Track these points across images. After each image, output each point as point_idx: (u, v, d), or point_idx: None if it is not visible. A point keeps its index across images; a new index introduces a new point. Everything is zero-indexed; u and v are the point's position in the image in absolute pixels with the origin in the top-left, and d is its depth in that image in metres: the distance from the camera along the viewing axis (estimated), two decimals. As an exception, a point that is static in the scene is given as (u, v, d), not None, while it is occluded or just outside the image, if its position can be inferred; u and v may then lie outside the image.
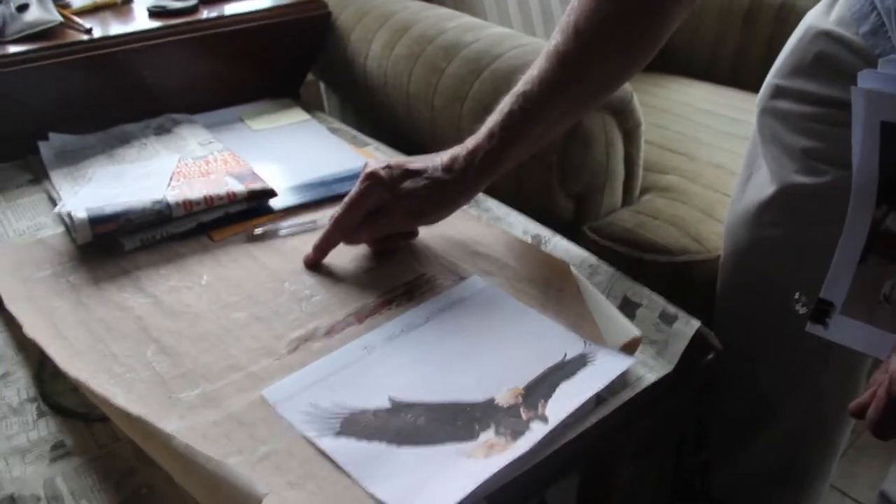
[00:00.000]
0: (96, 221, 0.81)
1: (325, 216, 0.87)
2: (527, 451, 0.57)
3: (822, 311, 0.65)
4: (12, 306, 0.73)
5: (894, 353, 0.57)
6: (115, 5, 1.21)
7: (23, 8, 1.08)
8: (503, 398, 0.63)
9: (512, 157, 0.77)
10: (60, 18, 1.09)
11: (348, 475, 0.56)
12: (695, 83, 1.57)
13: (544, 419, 0.60)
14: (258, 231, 0.85)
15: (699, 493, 1.09)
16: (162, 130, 1.08)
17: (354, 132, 1.15)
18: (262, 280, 0.78)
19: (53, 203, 0.93)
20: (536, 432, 0.59)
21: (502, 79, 1.02)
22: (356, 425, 0.60)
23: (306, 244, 0.82)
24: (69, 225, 0.84)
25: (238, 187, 0.88)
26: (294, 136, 1.12)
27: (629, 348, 0.69)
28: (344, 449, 0.58)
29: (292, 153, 1.06)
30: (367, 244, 0.81)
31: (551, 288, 0.76)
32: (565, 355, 0.67)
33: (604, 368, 0.65)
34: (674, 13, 0.74)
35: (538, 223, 0.89)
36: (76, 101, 1.09)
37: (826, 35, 0.78)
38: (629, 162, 1.07)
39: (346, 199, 0.79)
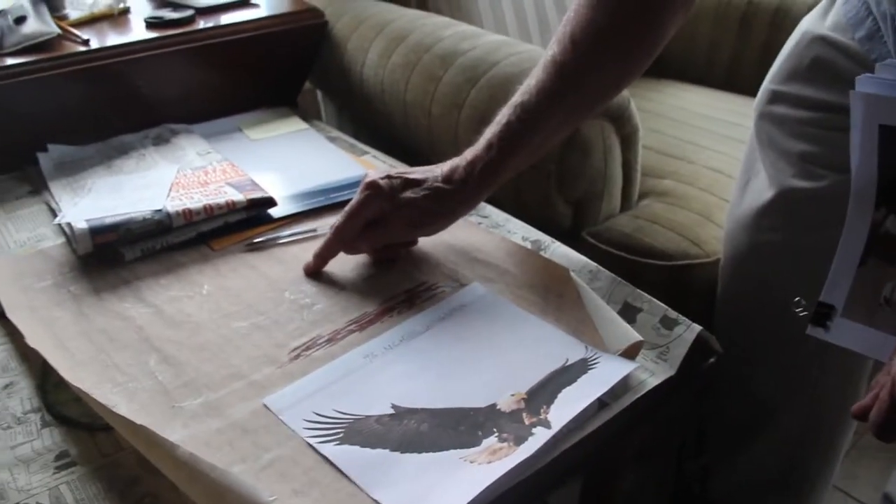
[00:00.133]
0: (97, 232, 0.81)
1: (325, 224, 0.87)
2: (530, 456, 0.57)
3: (822, 315, 0.65)
4: (14, 316, 0.74)
5: None
6: (111, 16, 1.21)
7: (20, 20, 1.09)
8: (505, 404, 0.63)
9: (511, 168, 0.77)
10: (58, 30, 1.09)
11: (352, 482, 0.56)
12: (691, 88, 1.57)
13: (547, 424, 0.60)
14: (258, 240, 0.86)
15: (698, 497, 1.09)
16: (160, 141, 1.09)
17: (352, 141, 1.15)
18: (262, 289, 0.78)
19: (53, 214, 0.93)
20: (539, 437, 0.59)
21: (499, 86, 1.02)
22: (359, 432, 0.60)
23: (306, 252, 0.82)
24: (70, 235, 0.84)
25: (237, 196, 0.89)
26: (292, 145, 1.12)
27: (630, 353, 0.69)
28: (347, 456, 0.58)
29: (291, 162, 1.06)
30: (367, 253, 0.82)
31: (551, 294, 0.76)
32: (567, 361, 0.67)
33: (605, 373, 0.65)
34: (669, 22, 0.75)
35: (537, 230, 0.90)
36: (74, 112, 1.09)
37: (822, 40, 0.78)
38: (627, 167, 1.07)
39: (347, 208, 0.79)
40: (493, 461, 0.57)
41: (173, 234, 0.85)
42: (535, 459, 0.58)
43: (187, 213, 0.85)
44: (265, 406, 0.63)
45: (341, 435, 0.60)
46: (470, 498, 0.53)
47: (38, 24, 1.09)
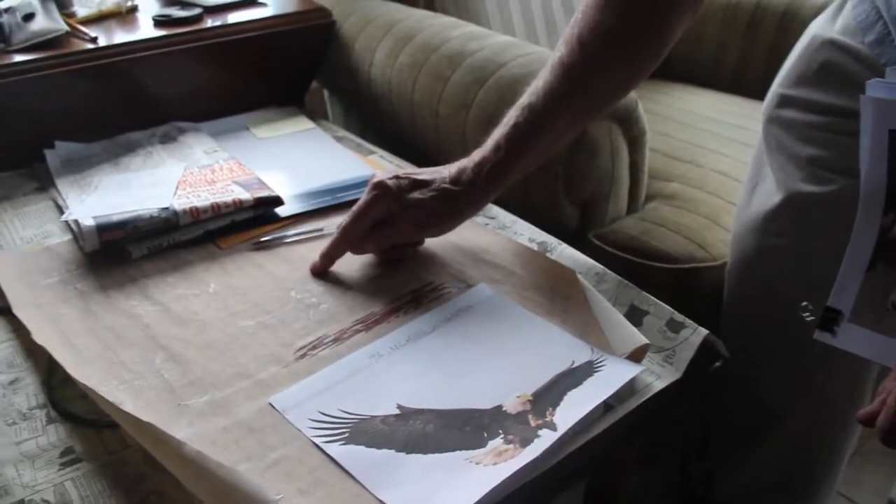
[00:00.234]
0: (104, 229, 0.81)
1: (331, 224, 0.87)
2: (535, 458, 0.57)
3: (829, 319, 0.65)
4: (20, 312, 0.74)
5: (903, 360, 0.57)
6: (119, 14, 1.21)
7: (29, 17, 1.09)
8: (511, 405, 0.63)
9: (518, 169, 0.77)
10: (66, 28, 1.10)
11: (358, 482, 0.56)
12: (698, 91, 1.57)
13: (553, 426, 0.60)
14: (265, 239, 0.86)
15: (703, 500, 1.09)
16: (167, 139, 1.09)
17: (359, 140, 1.15)
18: (268, 288, 0.78)
19: (60, 211, 0.93)
20: (545, 439, 0.59)
21: (507, 87, 1.02)
22: (365, 433, 0.60)
23: (312, 252, 0.82)
24: (77, 233, 0.84)
25: (244, 195, 0.89)
26: (299, 145, 1.12)
27: (636, 356, 0.69)
28: (353, 456, 0.58)
29: (298, 161, 1.06)
30: (374, 254, 0.81)
31: (558, 296, 0.76)
32: (573, 363, 0.67)
33: (611, 376, 0.65)
34: (677, 24, 0.75)
35: (544, 231, 0.90)
36: (82, 110, 1.09)
37: (831, 44, 0.78)
38: (634, 170, 1.07)
39: (354, 208, 0.79)
40: (499, 463, 0.57)
41: (180, 231, 0.85)
42: (540, 461, 0.58)
43: (194, 211, 0.85)
44: (271, 405, 0.63)
45: (347, 435, 0.60)
46: (475, 499, 0.53)
47: (47, 22, 1.09)
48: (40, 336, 0.69)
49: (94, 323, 0.73)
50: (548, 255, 0.85)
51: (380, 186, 0.78)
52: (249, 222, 0.89)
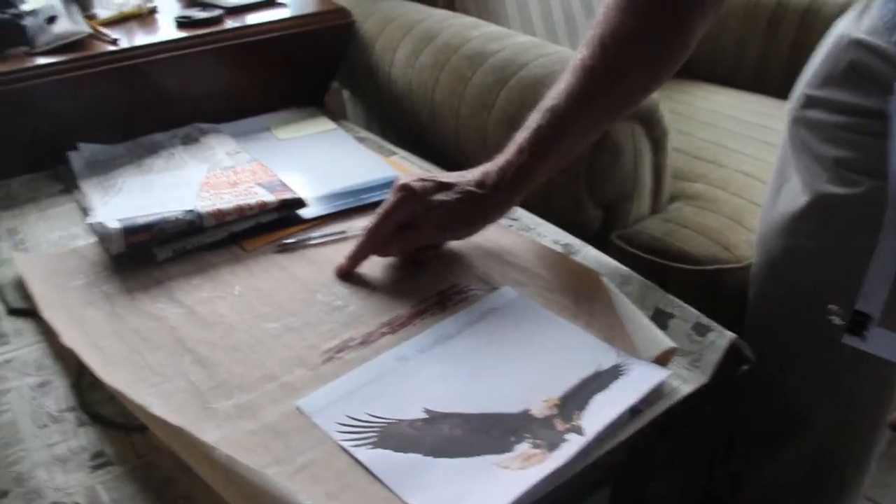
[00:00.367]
0: (130, 231, 0.81)
1: (355, 226, 0.87)
2: (563, 463, 0.57)
3: (859, 323, 0.64)
4: (48, 315, 0.74)
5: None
6: (140, 16, 1.22)
7: (52, 20, 1.10)
8: (538, 409, 0.63)
9: (542, 172, 0.77)
10: (89, 30, 1.10)
11: (386, 486, 0.56)
12: (719, 89, 1.56)
13: (580, 431, 0.60)
14: (289, 241, 0.86)
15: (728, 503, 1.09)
16: (189, 140, 1.09)
17: (380, 141, 1.15)
18: (293, 290, 0.79)
19: (84, 213, 0.93)
20: (573, 444, 0.59)
21: (528, 88, 1.02)
22: (393, 436, 0.60)
23: (336, 254, 0.82)
24: (102, 235, 0.84)
25: (268, 197, 0.89)
26: (321, 146, 1.12)
27: (663, 360, 0.68)
28: (381, 460, 0.58)
29: (320, 162, 1.07)
30: (399, 256, 0.82)
31: (583, 298, 0.76)
32: (599, 366, 0.67)
33: (638, 380, 0.65)
34: (698, 25, 0.75)
35: (568, 233, 0.89)
36: (104, 111, 1.09)
37: (858, 44, 0.77)
38: (657, 170, 1.07)
39: (379, 210, 0.79)
40: (527, 468, 0.57)
41: (205, 234, 0.85)
42: (567, 467, 0.58)
43: (219, 214, 0.85)
44: (298, 408, 0.63)
45: (375, 439, 0.60)
46: (503, 504, 0.53)
47: (69, 24, 1.10)
48: (68, 338, 0.70)
49: (121, 325, 0.74)
50: (572, 257, 0.84)
51: (405, 189, 0.78)
52: (273, 224, 0.89)
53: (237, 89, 1.22)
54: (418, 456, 0.58)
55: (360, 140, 1.13)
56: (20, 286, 0.80)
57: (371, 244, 0.79)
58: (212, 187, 0.92)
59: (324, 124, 1.19)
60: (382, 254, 0.81)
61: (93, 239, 0.88)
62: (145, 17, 1.22)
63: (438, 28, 1.21)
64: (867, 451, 0.96)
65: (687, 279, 1.01)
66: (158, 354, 0.70)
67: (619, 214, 1.07)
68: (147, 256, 0.83)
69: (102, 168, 1.02)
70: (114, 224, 0.82)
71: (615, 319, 0.73)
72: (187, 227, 0.84)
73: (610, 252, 0.88)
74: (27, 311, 0.77)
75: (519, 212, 0.93)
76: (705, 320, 0.73)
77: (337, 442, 0.60)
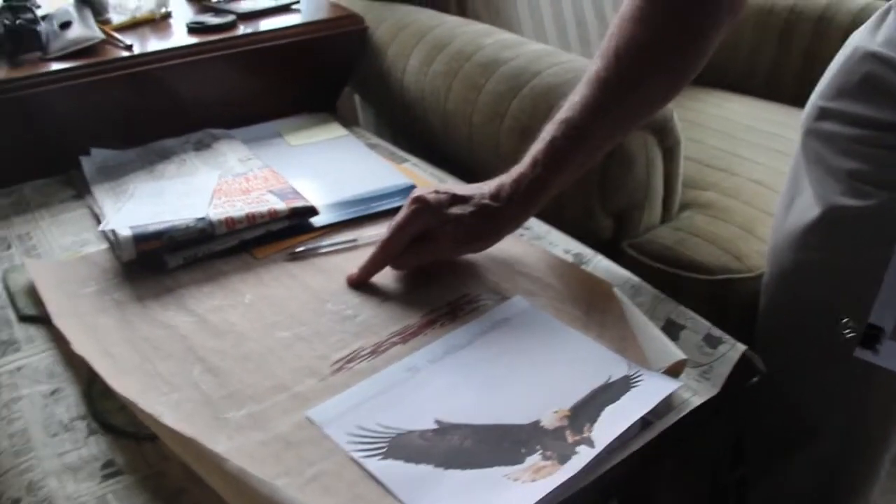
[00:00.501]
0: (141, 239, 0.82)
1: (366, 234, 0.87)
2: (573, 475, 0.57)
3: (871, 337, 0.64)
4: (60, 322, 0.74)
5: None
6: (153, 21, 1.22)
7: (66, 25, 1.10)
8: (548, 421, 0.62)
9: (557, 184, 0.77)
10: (102, 35, 1.11)
11: (397, 499, 0.56)
12: (732, 97, 1.56)
13: (590, 443, 0.60)
14: (300, 249, 0.86)
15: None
16: (201, 146, 1.09)
17: (392, 148, 1.15)
18: (304, 299, 0.79)
19: (96, 218, 0.94)
20: (583, 456, 0.59)
21: (541, 96, 1.02)
22: (403, 448, 0.60)
23: (347, 262, 0.82)
24: (113, 242, 0.84)
25: (280, 205, 0.89)
26: (332, 152, 1.12)
27: (674, 371, 0.68)
28: (391, 471, 0.58)
29: (331, 169, 1.07)
30: (413, 269, 0.82)
31: (594, 309, 0.76)
32: (609, 378, 0.67)
33: (649, 392, 0.65)
34: (713, 37, 0.74)
35: (579, 242, 0.89)
36: (117, 117, 1.10)
37: (873, 56, 0.77)
38: (668, 179, 1.06)
39: (393, 223, 0.79)
40: (537, 480, 0.57)
41: (216, 241, 0.85)
42: (577, 478, 0.57)
43: (230, 222, 0.86)
44: (308, 419, 0.63)
45: (385, 449, 0.60)
46: (514, 517, 0.53)
47: (83, 29, 1.10)
48: (80, 347, 0.70)
49: (132, 333, 0.74)
50: (583, 266, 0.84)
51: (419, 201, 0.78)
52: (284, 232, 0.89)
53: (249, 95, 1.22)
54: (429, 467, 0.58)
55: (372, 147, 1.14)
56: (32, 292, 0.80)
57: (384, 257, 0.79)
58: (224, 194, 0.92)
59: (336, 130, 1.19)
60: (396, 266, 0.81)
61: (104, 245, 0.88)
62: (158, 22, 1.23)
63: (451, 35, 1.21)
64: (877, 461, 0.96)
65: (697, 288, 1.01)
66: (169, 363, 0.70)
67: (630, 223, 1.07)
68: (158, 264, 0.83)
69: (114, 173, 1.02)
70: (125, 232, 0.82)
71: (627, 330, 0.73)
72: (198, 235, 0.84)
73: (620, 260, 0.88)
74: (39, 317, 0.77)
75: (530, 220, 0.93)
76: (717, 332, 0.73)
77: (347, 453, 0.60)
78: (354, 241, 0.88)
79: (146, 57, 1.10)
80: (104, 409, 0.66)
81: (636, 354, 0.70)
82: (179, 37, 1.17)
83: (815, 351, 0.87)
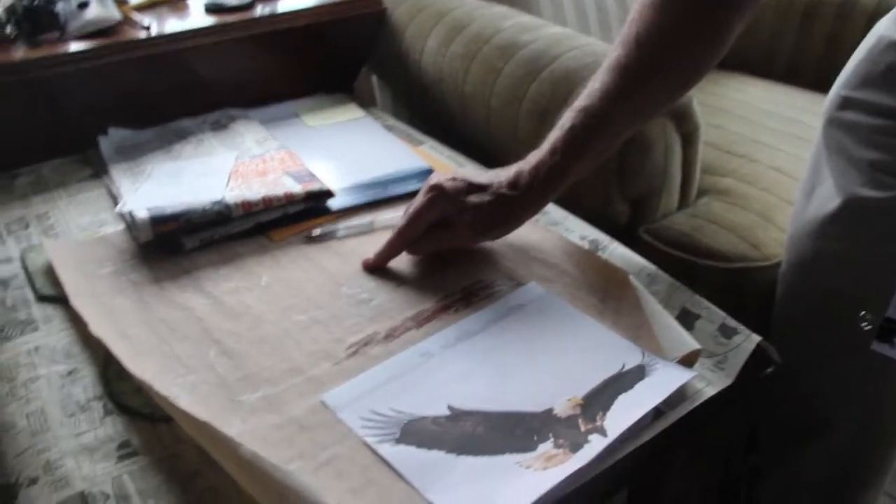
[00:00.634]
0: (157, 221, 0.82)
1: (382, 217, 0.87)
2: (585, 464, 0.57)
3: (889, 331, 0.64)
4: (77, 303, 0.75)
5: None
6: (171, 1, 1.22)
7: (83, 5, 1.10)
8: (561, 409, 0.62)
9: (575, 172, 0.77)
10: (121, 16, 1.11)
11: (409, 484, 0.56)
12: (753, 81, 1.54)
13: (603, 432, 0.60)
14: (316, 232, 0.86)
15: (745, 500, 1.08)
16: (218, 126, 1.09)
17: (410, 130, 1.15)
18: (320, 282, 0.79)
19: (114, 198, 0.94)
20: (595, 445, 0.59)
21: (560, 81, 1.02)
22: (416, 433, 0.60)
23: (363, 246, 0.82)
24: (130, 224, 0.85)
25: (296, 188, 0.89)
26: (350, 134, 1.12)
27: (688, 361, 0.68)
28: (404, 456, 0.58)
29: (348, 151, 1.07)
30: (429, 255, 0.82)
31: (609, 297, 0.76)
32: (623, 366, 0.66)
33: (663, 381, 0.65)
34: (735, 23, 0.73)
35: (595, 228, 0.89)
36: (134, 97, 1.10)
37: None
38: (687, 165, 1.05)
39: (410, 210, 0.79)
40: (549, 468, 0.57)
41: (232, 224, 0.86)
42: (589, 468, 0.57)
43: (246, 204, 0.86)
44: (322, 403, 0.63)
45: (397, 435, 0.60)
46: (525, 505, 0.54)
47: (101, 10, 1.10)
48: (97, 328, 0.70)
49: (149, 315, 0.74)
50: (599, 253, 0.84)
51: (437, 189, 0.78)
52: (301, 214, 0.89)
53: (267, 75, 1.22)
54: (441, 453, 0.59)
55: (389, 128, 1.13)
56: (50, 272, 0.81)
57: (400, 243, 0.79)
58: (241, 176, 0.93)
59: (353, 112, 1.19)
60: (412, 252, 0.81)
61: (121, 226, 0.89)
62: (176, 2, 1.22)
63: (470, 17, 1.20)
64: (891, 454, 0.96)
65: (713, 276, 1.00)
66: (185, 345, 0.70)
67: (647, 209, 1.06)
68: (175, 245, 0.84)
69: (131, 153, 1.02)
70: (142, 213, 0.82)
71: (642, 319, 0.72)
72: (215, 217, 0.84)
73: (637, 247, 0.87)
74: (56, 297, 0.78)
75: (547, 206, 0.92)
76: (732, 322, 0.72)
77: (360, 437, 0.60)
78: (371, 223, 0.88)
79: (164, 38, 1.10)
80: (120, 390, 0.67)
81: (651, 343, 0.69)
82: (197, 17, 1.16)
83: (832, 342, 0.87)
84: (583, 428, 0.60)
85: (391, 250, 0.80)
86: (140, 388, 0.65)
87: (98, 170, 1.02)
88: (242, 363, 0.68)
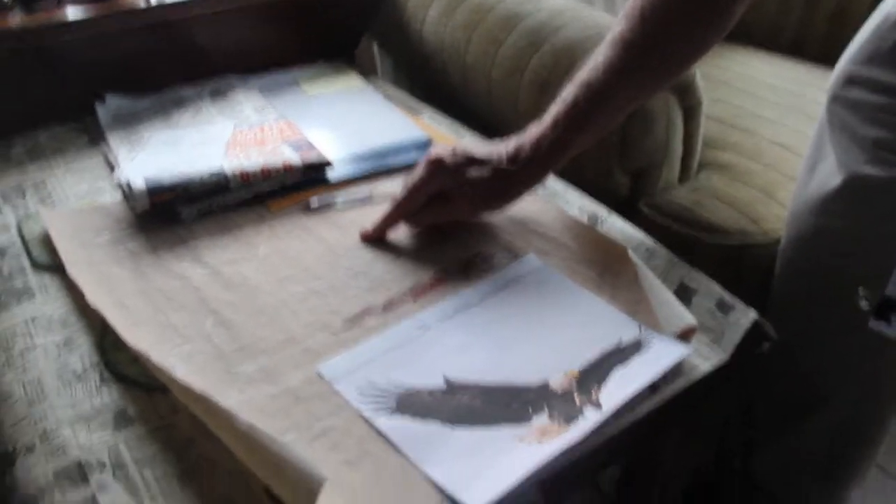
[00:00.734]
0: (154, 191, 0.81)
1: (381, 188, 0.87)
2: (580, 438, 0.57)
3: (886, 308, 0.63)
4: (74, 271, 0.75)
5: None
6: (171, -34, 1.21)
7: (83, -30, 1.09)
8: (557, 382, 0.62)
9: (577, 145, 0.76)
10: (120, -20, 1.10)
11: (405, 456, 0.56)
12: (757, 54, 1.53)
13: (598, 406, 0.60)
14: (314, 204, 0.86)
15: (739, 472, 1.09)
16: (217, 94, 1.09)
17: (410, 100, 1.14)
18: (318, 253, 0.79)
19: (111, 166, 0.94)
20: (590, 419, 0.59)
21: (562, 53, 1.01)
22: (412, 404, 0.60)
23: (362, 217, 0.82)
24: (127, 193, 0.84)
25: (294, 158, 0.88)
26: (350, 103, 1.11)
27: (684, 336, 0.68)
28: (399, 428, 0.58)
29: (348, 121, 1.06)
30: (427, 227, 0.81)
31: (608, 271, 0.75)
32: (620, 340, 0.66)
33: (659, 356, 0.65)
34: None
35: (594, 200, 0.89)
36: (133, 65, 1.09)
37: None
38: (688, 139, 1.05)
39: (409, 182, 0.78)
40: (544, 441, 0.57)
41: (230, 194, 0.85)
42: (584, 441, 0.57)
43: (244, 175, 0.85)
44: (319, 374, 0.64)
45: (393, 406, 0.60)
46: (520, 477, 0.54)
47: (100, -25, 1.09)
48: (93, 297, 0.70)
49: (146, 284, 0.74)
50: (598, 226, 0.84)
51: (436, 162, 0.77)
52: (299, 185, 0.89)
53: (267, 43, 1.21)
54: (436, 424, 0.59)
55: (389, 98, 1.12)
56: (47, 241, 0.80)
57: (399, 215, 0.79)
58: (239, 145, 0.92)
59: (353, 80, 1.18)
60: (411, 224, 0.80)
61: (118, 195, 0.88)
62: (176, -33, 1.21)
63: (472, -14, 1.19)
64: (884, 430, 0.96)
65: (712, 251, 1.00)
66: (182, 314, 0.70)
67: (648, 182, 1.06)
68: (172, 215, 0.83)
69: (129, 121, 1.02)
70: (139, 183, 0.82)
71: (640, 294, 0.72)
72: (213, 187, 0.84)
73: (636, 220, 0.87)
74: (53, 266, 0.78)
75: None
76: (729, 298, 0.72)
77: (356, 409, 0.60)
78: (369, 194, 0.87)
79: (164, 6, 1.08)
80: (117, 359, 0.66)
81: (648, 318, 0.69)
82: (197, -17, 1.15)
83: (831, 319, 0.87)
84: (578, 402, 0.60)
85: (389, 222, 0.79)
86: (136, 358, 0.65)
87: (95, 137, 1.02)
88: (239, 334, 0.68)
